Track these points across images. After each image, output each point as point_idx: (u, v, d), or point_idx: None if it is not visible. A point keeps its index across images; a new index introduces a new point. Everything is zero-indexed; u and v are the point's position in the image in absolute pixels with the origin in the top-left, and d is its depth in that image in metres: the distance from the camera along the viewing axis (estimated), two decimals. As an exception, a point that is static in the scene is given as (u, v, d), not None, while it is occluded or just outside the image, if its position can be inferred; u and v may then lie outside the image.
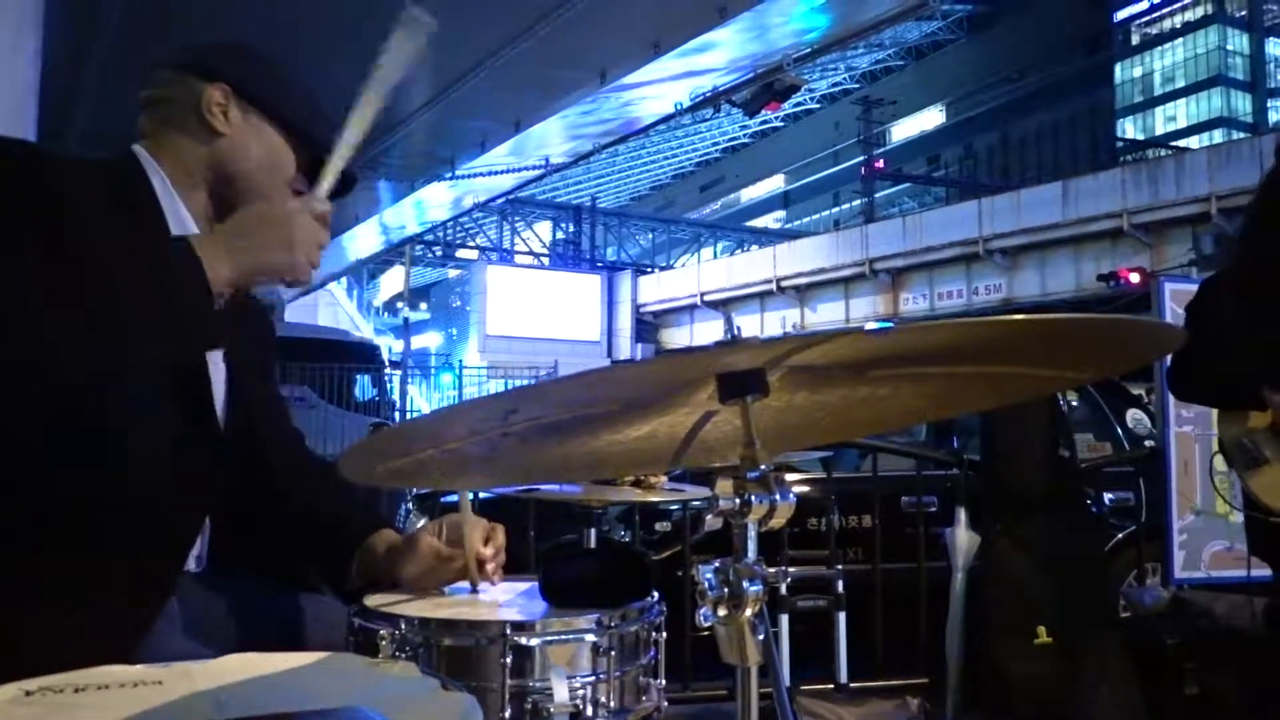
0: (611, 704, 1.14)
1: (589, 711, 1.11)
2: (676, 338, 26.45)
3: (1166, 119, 41.29)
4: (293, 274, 1.18)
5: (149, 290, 1.08)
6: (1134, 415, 4.62)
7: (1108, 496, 3.98)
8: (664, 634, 1.26)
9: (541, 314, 25.04)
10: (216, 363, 1.29)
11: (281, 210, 1.19)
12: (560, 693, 1.09)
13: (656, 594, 1.26)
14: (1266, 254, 1.86)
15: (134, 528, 1.16)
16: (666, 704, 1.24)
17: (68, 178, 1.15)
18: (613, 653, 1.15)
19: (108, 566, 1.14)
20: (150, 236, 1.19)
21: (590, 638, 1.14)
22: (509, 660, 1.10)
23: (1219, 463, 2.24)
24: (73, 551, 1.13)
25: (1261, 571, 2.09)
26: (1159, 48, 41.93)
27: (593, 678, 1.13)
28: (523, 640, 1.11)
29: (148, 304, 1.07)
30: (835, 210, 45.15)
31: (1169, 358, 2.18)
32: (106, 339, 1.05)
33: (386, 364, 15.38)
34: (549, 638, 1.13)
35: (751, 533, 0.88)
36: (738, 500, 0.87)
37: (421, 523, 4.15)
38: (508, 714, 1.09)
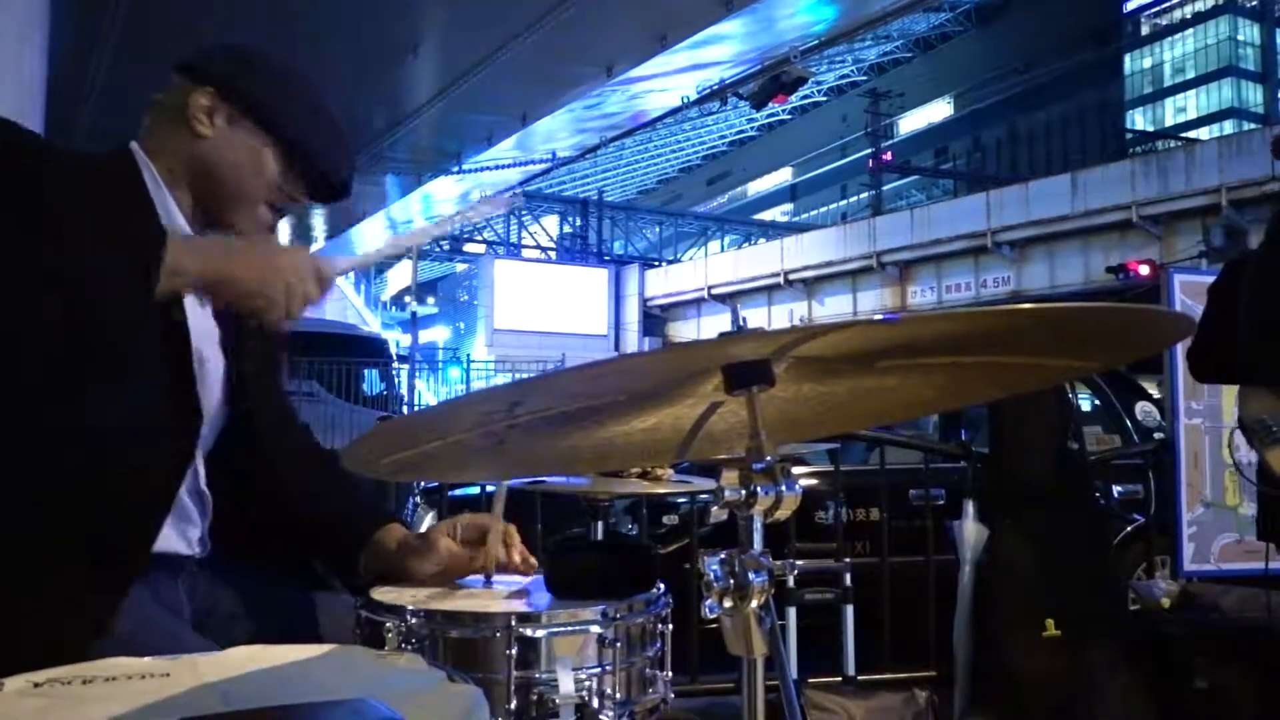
0: (618, 696, 1.14)
1: (595, 703, 1.11)
2: (684, 331, 26.42)
3: (1176, 110, 41.09)
4: (265, 309, 1.16)
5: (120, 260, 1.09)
6: (1143, 407, 4.60)
7: (1116, 489, 3.96)
8: (670, 626, 1.26)
9: (549, 308, 25.05)
10: (215, 353, 1.30)
11: (277, 244, 1.21)
12: (566, 684, 1.09)
13: (662, 586, 1.26)
14: None
15: (95, 505, 1.16)
16: (673, 696, 1.24)
17: (55, 162, 1.18)
18: (619, 644, 1.14)
19: (67, 544, 1.14)
20: (138, 225, 1.20)
21: (596, 629, 1.14)
22: (514, 652, 1.09)
23: (1226, 455, 2.23)
24: (31, 526, 1.14)
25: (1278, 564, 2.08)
26: (1169, 39, 41.71)
27: (599, 669, 1.13)
28: (528, 632, 1.11)
29: (114, 269, 1.08)
30: (843, 203, 45.07)
31: (1190, 339, 2.17)
32: (73, 299, 1.07)
33: (394, 358, 15.40)
34: (555, 629, 1.12)
35: (757, 524, 0.88)
36: (743, 491, 0.86)
37: (429, 516, 4.17)
38: (513, 705, 1.09)
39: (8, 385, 1.11)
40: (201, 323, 1.28)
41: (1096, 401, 4.75)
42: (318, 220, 17.27)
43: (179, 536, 1.28)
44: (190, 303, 1.24)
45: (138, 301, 1.10)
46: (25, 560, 1.13)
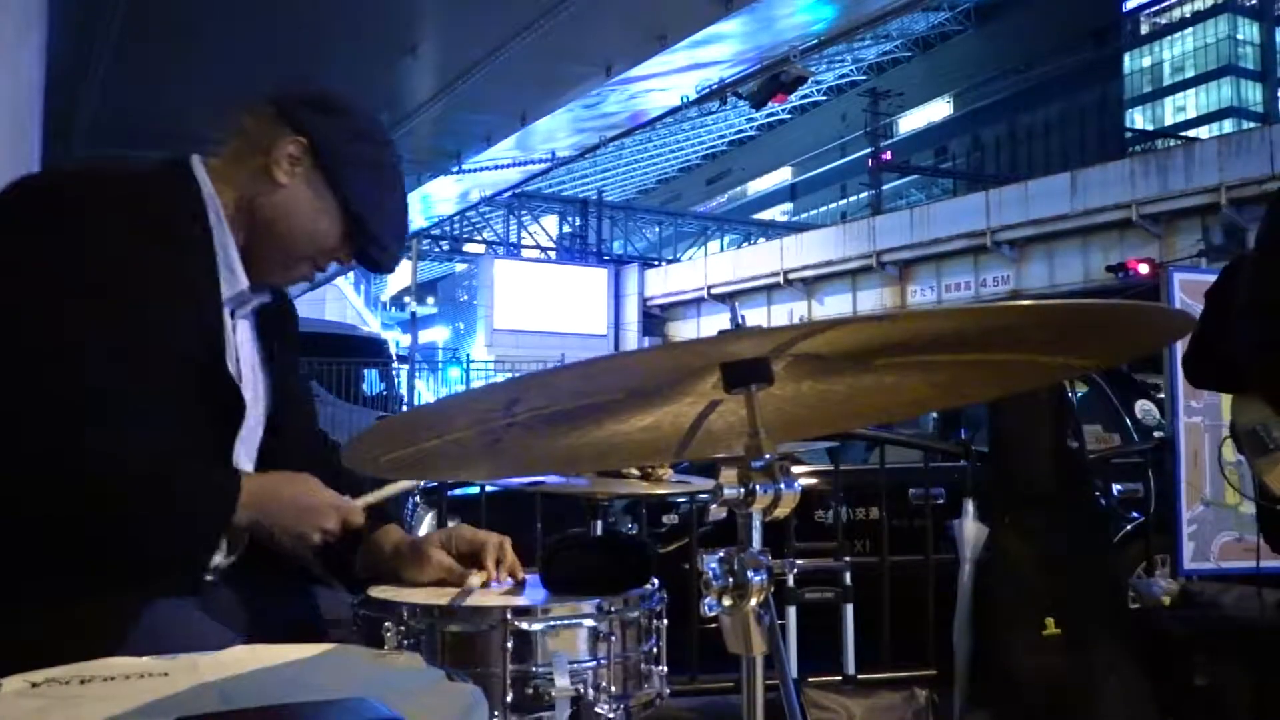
0: (613, 689, 1.14)
1: (590, 696, 1.11)
2: (683, 331, 26.41)
3: (1176, 109, 41.11)
4: (297, 544, 1.26)
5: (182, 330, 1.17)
6: (1143, 406, 4.60)
7: (1116, 487, 3.96)
8: (665, 621, 1.26)
9: (548, 308, 25.05)
10: (255, 369, 1.34)
11: (324, 498, 1.27)
12: (562, 678, 1.09)
13: (656, 581, 1.26)
14: None
15: (130, 551, 1.17)
16: (669, 691, 1.24)
17: (114, 211, 1.19)
18: (614, 638, 1.15)
19: (104, 579, 1.15)
20: (195, 270, 1.24)
21: (591, 623, 1.14)
22: (511, 646, 1.10)
23: (1228, 452, 2.23)
24: (74, 559, 1.15)
25: (1272, 562, 2.08)
26: (1168, 37, 41.72)
27: (594, 663, 1.14)
28: (524, 626, 1.12)
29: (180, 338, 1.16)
30: (842, 202, 45.06)
31: (1185, 343, 2.17)
32: (137, 373, 1.14)
33: (394, 359, 15.40)
34: (550, 623, 1.13)
35: (756, 522, 0.87)
36: (742, 489, 0.86)
37: (429, 516, 4.16)
38: (510, 699, 1.09)
39: (57, 416, 1.13)
40: (247, 370, 1.32)
41: (1096, 399, 4.74)
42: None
43: None
44: (238, 348, 1.29)
45: (190, 355, 1.18)
46: (53, 588, 1.14)
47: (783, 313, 23.31)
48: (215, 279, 1.25)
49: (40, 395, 1.12)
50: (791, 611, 2.79)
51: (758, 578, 0.85)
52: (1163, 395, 4.18)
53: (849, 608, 2.90)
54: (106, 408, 1.14)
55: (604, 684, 1.13)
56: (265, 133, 1.27)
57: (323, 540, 1.26)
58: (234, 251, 1.27)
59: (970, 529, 2.91)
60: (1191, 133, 34.20)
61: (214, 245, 1.25)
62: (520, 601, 1.19)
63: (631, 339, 26.02)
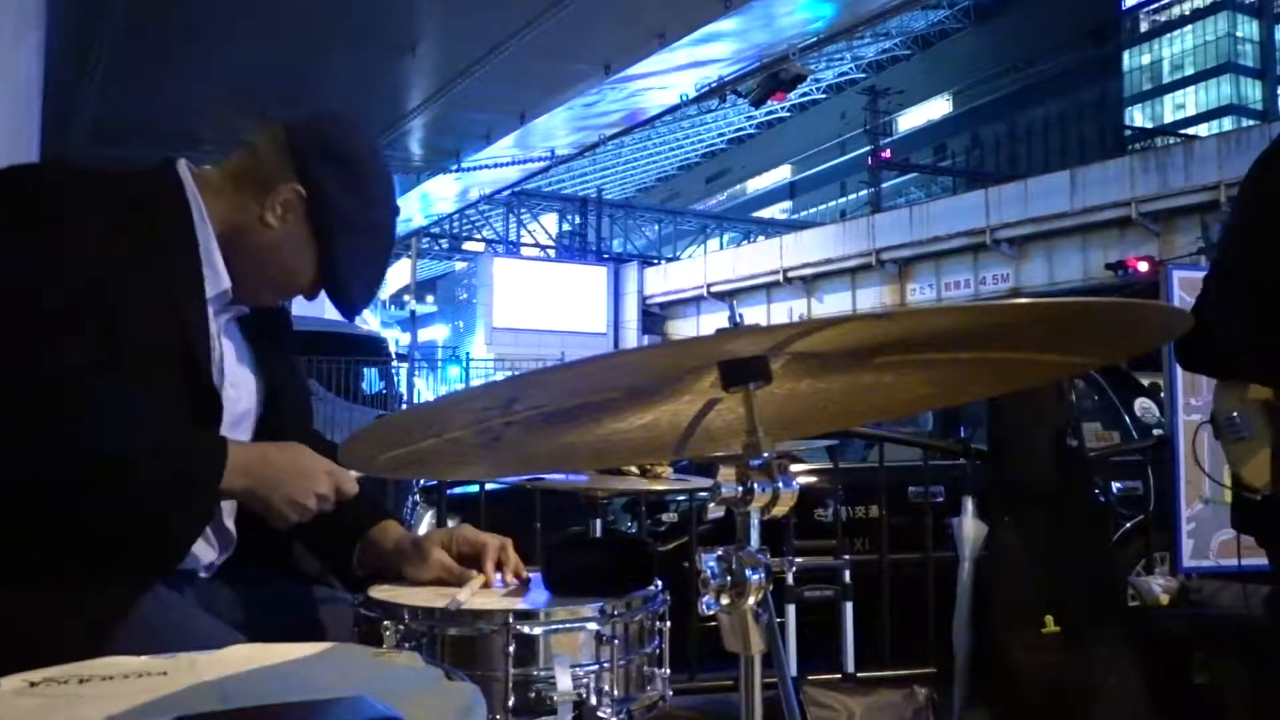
0: (615, 693, 1.14)
1: (593, 700, 1.11)
2: (683, 329, 26.41)
3: (1175, 107, 41.11)
4: (285, 518, 1.23)
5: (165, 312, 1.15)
6: (1142, 404, 4.60)
7: (1116, 485, 3.96)
8: (668, 623, 1.26)
9: (548, 306, 25.04)
10: (245, 370, 1.34)
11: (317, 463, 1.25)
12: (564, 681, 1.09)
13: (660, 583, 1.26)
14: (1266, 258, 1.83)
15: (123, 530, 1.17)
16: (671, 693, 1.24)
17: (96, 204, 1.19)
18: (616, 641, 1.14)
19: (97, 563, 1.15)
20: (178, 266, 1.23)
21: (594, 626, 1.14)
22: (513, 649, 1.10)
23: (1224, 458, 2.23)
24: (66, 543, 1.15)
25: (1256, 560, 2.09)
26: (1168, 35, 41.73)
27: (596, 666, 1.13)
28: (526, 629, 1.11)
29: (163, 328, 1.15)
30: (842, 200, 45.08)
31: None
32: (115, 354, 1.13)
33: (393, 357, 15.38)
34: (553, 627, 1.13)
35: (754, 520, 0.87)
36: (740, 488, 0.86)
37: (428, 515, 4.16)
38: (512, 703, 1.09)
39: (34, 408, 1.12)
40: (236, 370, 1.32)
41: (1096, 397, 4.75)
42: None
43: (192, 555, 1.29)
44: (225, 347, 1.29)
45: (168, 350, 1.17)
46: (47, 574, 1.14)
47: (782, 311, 23.31)
48: (199, 276, 1.25)
49: (16, 389, 1.11)
50: (791, 610, 2.79)
51: (756, 576, 0.85)
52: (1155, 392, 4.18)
53: (848, 606, 2.90)
54: (84, 400, 1.13)
55: (606, 687, 1.13)
56: (269, 167, 1.27)
57: (318, 508, 1.25)
58: (217, 253, 1.27)
59: (970, 527, 2.91)
60: (1191, 130, 34.20)
61: (197, 244, 1.25)
62: (522, 605, 1.19)
63: (631, 337, 26.00)
